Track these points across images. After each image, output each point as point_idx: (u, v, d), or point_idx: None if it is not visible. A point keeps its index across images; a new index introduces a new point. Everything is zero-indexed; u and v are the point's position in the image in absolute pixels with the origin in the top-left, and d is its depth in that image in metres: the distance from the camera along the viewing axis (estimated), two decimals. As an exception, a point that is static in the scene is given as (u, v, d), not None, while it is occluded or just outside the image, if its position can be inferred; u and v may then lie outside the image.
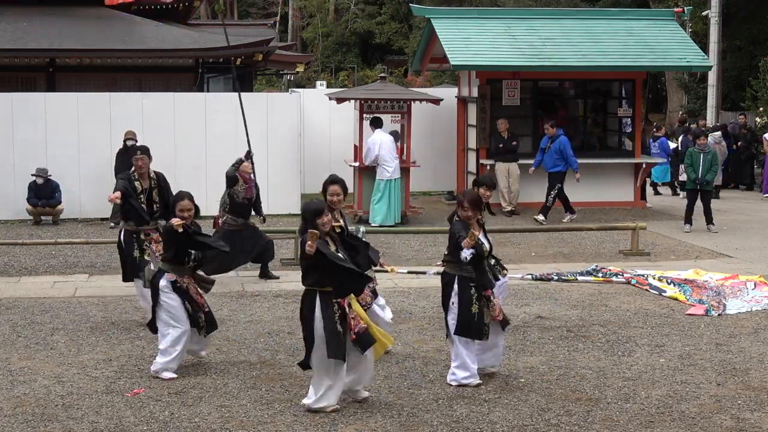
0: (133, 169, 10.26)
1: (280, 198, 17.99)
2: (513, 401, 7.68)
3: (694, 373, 8.47)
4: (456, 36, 19.08)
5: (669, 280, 12.05)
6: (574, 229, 15.56)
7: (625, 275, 12.46)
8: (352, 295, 7.50)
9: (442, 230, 15.47)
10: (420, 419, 7.26)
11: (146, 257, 10.03)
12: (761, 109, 26.67)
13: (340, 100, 18.35)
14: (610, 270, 12.74)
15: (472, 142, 19.84)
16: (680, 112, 30.84)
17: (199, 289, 8.59)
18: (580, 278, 12.48)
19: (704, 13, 29.81)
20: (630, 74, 19.69)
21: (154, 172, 10.34)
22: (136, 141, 16.99)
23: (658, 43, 19.38)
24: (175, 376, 8.22)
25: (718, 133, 22.66)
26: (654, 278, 12.20)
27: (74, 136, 17.57)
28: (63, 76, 23.78)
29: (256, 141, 17.92)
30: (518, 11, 22.73)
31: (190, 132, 17.92)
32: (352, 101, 18.23)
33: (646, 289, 11.88)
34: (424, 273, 12.76)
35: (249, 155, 12.68)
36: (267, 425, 7.14)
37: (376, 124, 17.09)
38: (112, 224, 16.87)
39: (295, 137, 18.63)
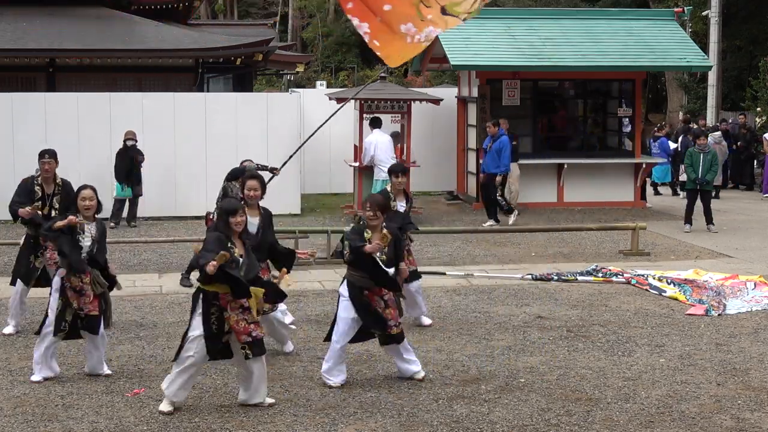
0: (37, 173, 9.92)
1: (279, 198, 17.97)
2: (513, 401, 7.68)
3: (694, 373, 8.47)
4: (456, 36, 19.06)
5: (669, 280, 12.05)
6: (574, 229, 15.56)
7: (625, 275, 12.46)
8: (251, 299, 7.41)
9: (442, 230, 15.53)
10: (420, 419, 7.26)
11: (37, 264, 9.76)
12: (760, 109, 26.69)
13: (340, 100, 18.34)
14: (610, 270, 12.74)
15: (472, 142, 19.84)
16: (680, 113, 30.87)
17: (87, 288, 8.19)
18: (580, 278, 12.48)
19: (704, 13, 29.82)
20: (630, 74, 19.70)
21: (61, 179, 9.93)
22: (136, 141, 17.02)
23: (658, 43, 19.38)
24: (39, 378, 8.13)
25: (718, 133, 22.67)
26: (654, 278, 12.20)
27: (74, 136, 17.57)
28: (63, 76, 23.79)
29: (256, 141, 18.00)
30: (518, 11, 22.74)
31: (190, 132, 17.92)
32: (352, 101, 18.22)
33: (646, 289, 11.88)
34: (443, 274, 12.76)
35: (272, 171, 12.75)
36: (267, 425, 7.14)
37: (375, 124, 17.10)
38: (112, 224, 16.87)
39: (295, 137, 18.61)
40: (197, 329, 7.33)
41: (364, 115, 17.71)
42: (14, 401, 7.64)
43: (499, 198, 17.16)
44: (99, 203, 8.31)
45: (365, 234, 7.98)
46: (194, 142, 17.93)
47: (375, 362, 8.74)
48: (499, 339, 9.59)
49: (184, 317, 10.10)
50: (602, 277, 12.52)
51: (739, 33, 32.48)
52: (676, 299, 11.37)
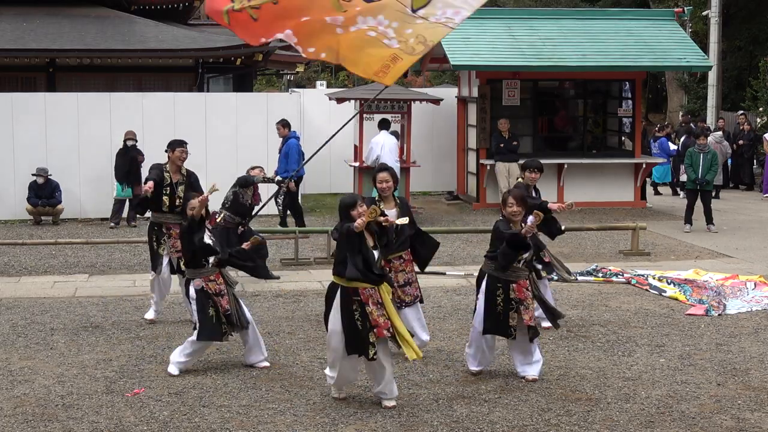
0: (167, 161, 10.30)
1: (279, 195, 17.99)
2: (513, 401, 7.68)
3: (694, 373, 8.47)
4: (456, 36, 19.04)
5: (669, 280, 12.05)
6: (574, 229, 15.54)
7: (625, 275, 12.46)
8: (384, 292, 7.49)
9: (442, 230, 15.50)
10: (420, 419, 7.26)
11: (161, 251, 10.13)
12: (761, 109, 26.68)
13: (340, 100, 18.35)
14: (610, 270, 12.74)
15: (472, 142, 19.84)
16: (680, 113, 30.84)
17: (224, 289, 8.49)
18: (580, 278, 12.48)
19: (704, 13, 29.81)
20: (630, 74, 19.70)
21: (186, 169, 10.36)
22: (136, 141, 17.02)
23: (658, 43, 19.38)
24: (176, 372, 8.34)
25: (719, 133, 22.67)
26: (654, 278, 12.20)
27: (74, 136, 17.57)
28: (63, 76, 23.79)
29: (256, 141, 17.99)
30: (518, 11, 22.74)
31: (190, 132, 17.87)
32: (352, 101, 18.23)
33: (646, 289, 11.88)
34: (443, 273, 12.77)
35: (279, 184, 12.74)
36: (267, 425, 7.14)
37: (383, 125, 17.09)
38: (112, 224, 16.89)
39: (295, 137, 18.62)
40: (337, 324, 7.43)
41: (365, 116, 17.70)
42: (14, 401, 7.65)
43: (280, 203, 16.22)
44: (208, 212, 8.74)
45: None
46: (194, 142, 17.82)
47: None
48: (499, 339, 9.57)
49: (184, 317, 10.12)
50: (602, 277, 12.52)
51: (739, 33, 32.46)
52: (676, 299, 11.37)
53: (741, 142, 23.57)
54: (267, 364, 8.53)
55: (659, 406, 7.59)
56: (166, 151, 10.37)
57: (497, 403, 7.64)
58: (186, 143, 10.40)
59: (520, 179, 10.36)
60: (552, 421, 7.23)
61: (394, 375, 7.61)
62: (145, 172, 17.06)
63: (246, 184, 12.16)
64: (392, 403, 7.49)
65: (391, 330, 7.38)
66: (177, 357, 8.44)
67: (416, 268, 8.91)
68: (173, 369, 8.37)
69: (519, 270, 8.14)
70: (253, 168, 12.68)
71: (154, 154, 17.45)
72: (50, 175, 17.16)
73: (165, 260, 10.12)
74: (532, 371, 8.21)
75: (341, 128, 10.05)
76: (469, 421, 7.23)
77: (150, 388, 7.97)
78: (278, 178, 12.89)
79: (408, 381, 8.18)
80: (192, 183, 10.26)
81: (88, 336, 9.68)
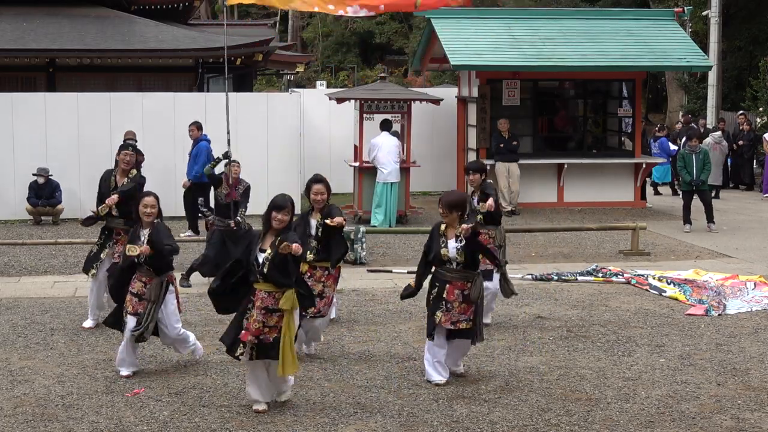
0: (115, 165, 10.23)
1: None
2: (513, 401, 7.68)
3: (694, 373, 8.47)
4: (456, 36, 19.09)
5: (669, 280, 12.05)
6: (574, 229, 15.56)
7: (625, 275, 12.46)
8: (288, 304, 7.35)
9: (442, 230, 15.50)
10: (420, 419, 7.26)
11: (102, 255, 10.02)
12: (761, 109, 26.67)
13: (340, 100, 18.36)
14: (610, 270, 12.74)
15: (472, 142, 19.84)
16: (680, 113, 30.83)
17: (150, 293, 8.34)
18: (580, 278, 12.48)
19: (704, 13, 29.80)
20: (630, 74, 19.70)
21: (136, 173, 10.29)
22: (136, 141, 17.00)
23: (658, 43, 19.38)
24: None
25: (718, 132, 22.66)
26: (654, 278, 12.20)
27: (74, 136, 17.57)
28: (63, 76, 23.80)
29: (256, 141, 17.98)
30: (518, 11, 22.73)
31: (190, 132, 17.90)
32: (352, 101, 18.23)
33: (646, 289, 11.88)
34: (389, 271, 12.82)
35: (227, 155, 12.43)
36: (267, 425, 7.14)
37: (385, 126, 17.09)
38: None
39: (295, 137, 18.63)
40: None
41: (365, 116, 17.70)
42: (14, 401, 7.65)
43: (201, 205, 15.52)
44: (160, 211, 8.59)
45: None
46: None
47: (375, 362, 8.75)
48: (499, 339, 9.59)
49: (185, 317, 10.11)
50: (602, 277, 12.52)
51: (739, 33, 32.45)
52: (676, 299, 11.37)
53: (741, 142, 23.56)
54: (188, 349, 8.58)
55: (659, 406, 7.59)
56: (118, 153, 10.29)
57: (497, 403, 7.64)
58: (131, 146, 10.33)
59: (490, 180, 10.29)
60: (552, 421, 7.23)
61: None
62: (145, 173, 17.15)
63: (215, 185, 12.11)
64: (259, 407, 7.38)
65: (261, 337, 7.27)
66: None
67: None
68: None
69: (455, 272, 8.08)
70: (229, 163, 12.60)
71: (154, 154, 17.53)
72: (51, 175, 17.16)
73: (104, 266, 9.91)
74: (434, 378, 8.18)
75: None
76: (469, 421, 7.23)
77: (150, 388, 7.97)
78: (221, 156, 12.60)
79: (408, 381, 8.18)
80: (141, 186, 10.03)
81: (88, 336, 9.68)
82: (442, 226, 8.19)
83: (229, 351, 7.44)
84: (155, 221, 8.44)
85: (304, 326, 8.40)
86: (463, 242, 8.03)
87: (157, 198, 8.56)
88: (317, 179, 8.92)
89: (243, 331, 7.32)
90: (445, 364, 8.20)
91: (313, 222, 8.76)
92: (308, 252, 8.53)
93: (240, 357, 7.38)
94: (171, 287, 8.41)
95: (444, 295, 8.05)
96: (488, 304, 9.66)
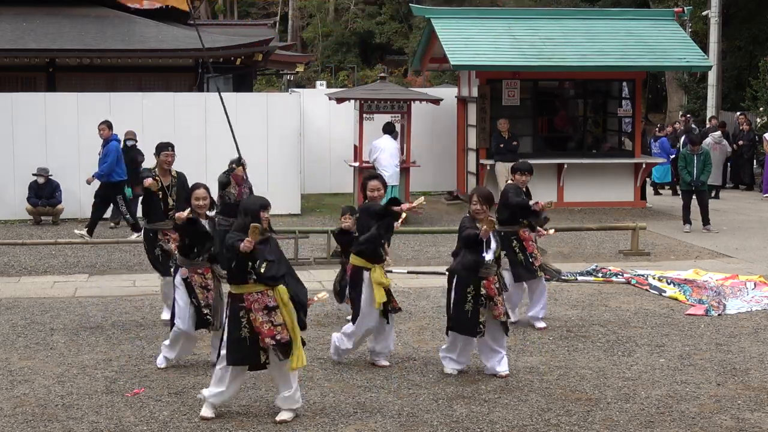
0: (155, 165, 10.24)
1: (280, 198, 17.96)
2: (513, 401, 7.68)
3: (694, 373, 8.47)
4: (456, 36, 19.08)
5: (669, 280, 12.05)
6: (574, 229, 15.55)
7: (625, 275, 12.46)
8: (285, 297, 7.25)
9: (442, 230, 15.50)
10: (420, 419, 7.26)
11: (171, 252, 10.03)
12: (761, 109, 26.66)
13: (340, 100, 18.36)
14: (610, 270, 12.73)
15: (472, 142, 19.84)
16: (680, 113, 30.82)
17: (211, 283, 8.42)
18: (580, 278, 12.48)
19: (704, 13, 29.80)
20: (630, 74, 19.70)
21: (176, 171, 10.28)
22: (136, 141, 17.01)
23: (658, 43, 19.38)
24: (163, 365, 8.42)
25: (718, 132, 22.66)
26: (654, 278, 12.20)
27: (74, 136, 17.57)
28: (63, 76, 23.78)
29: (256, 141, 17.98)
30: (518, 11, 22.74)
31: (190, 132, 17.92)
32: (352, 101, 18.23)
33: (646, 289, 11.88)
34: (444, 274, 12.75)
35: (240, 162, 12.62)
36: (267, 425, 7.14)
37: (387, 129, 17.08)
38: (112, 225, 16.88)
39: (295, 137, 18.63)
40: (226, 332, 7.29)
41: (365, 116, 17.70)
42: (14, 401, 7.65)
43: (122, 208, 15.79)
44: (212, 201, 8.62)
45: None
46: (194, 142, 17.92)
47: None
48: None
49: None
50: (602, 277, 12.52)
51: (739, 33, 32.44)
52: (676, 299, 11.37)
53: (741, 142, 23.56)
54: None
55: (659, 406, 7.59)
56: (154, 154, 10.31)
57: (497, 403, 7.64)
58: (172, 146, 10.28)
59: (510, 180, 10.41)
60: (552, 421, 7.23)
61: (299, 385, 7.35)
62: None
63: (224, 184, 12.21)
64: (288, 416, 7.21)
65: (278, 337, 7.11)
66: (164, 350, 8.56)
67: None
68: (160, 361, 8.51)
69: (489, 266, 8.20)
70: (232, 162, 12.74)
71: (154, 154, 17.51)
72: (51, 175, 17.16)
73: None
74: (501, 368, 8.29)
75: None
76: (469, 421, 7.23)
77: (150, 388, 7.97)
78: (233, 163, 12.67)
79: (408, 381, 8.18)
80: (183, 184, 10.08)
81: (88, 336, 9.68)
82: (476, 223, 8.23)
83: (256, 366, 7.20)
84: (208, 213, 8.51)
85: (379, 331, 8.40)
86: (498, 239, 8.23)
87: (207, 189, 8.55)
88: (373, 176, 8.94)
89: (257, 338, 7.11)
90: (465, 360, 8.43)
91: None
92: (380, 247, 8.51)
93: (267, 364, 7.18)
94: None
95: (483, 292, 8.16)
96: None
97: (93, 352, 9.10)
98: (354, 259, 8.62)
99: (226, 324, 7.28)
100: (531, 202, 10.04)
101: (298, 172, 18.50)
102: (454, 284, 8.29)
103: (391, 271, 12.97)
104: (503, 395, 7.82)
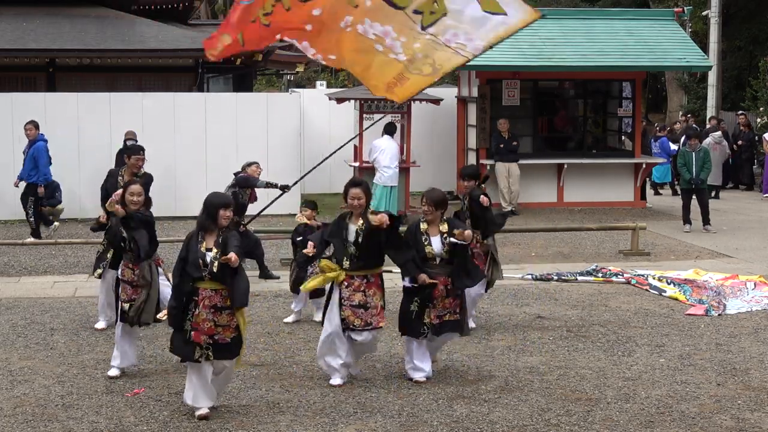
0: (124, 167, 10.31)
1: (280, 198, 17.96)
2: (513, 401, 7.68)
3: (694, 373, 8.47)
4: (456, 36, 19.04)
5: (669, 280, 12.05)
6: (574, 230, 15.56)
7: (625, 275, 12.46)
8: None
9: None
10: (420, 419, 7.26)
11: (108, 255, 9.99)
12: (761, 109, 26.67)
13: (340, 100, 18.35)
14: (610, 270, 12.73)
15: (472, 142, 19.84)
16: (680, 113, 30.82)
17: (140, 278, 8.32)
18: (580, 278, 12.48)
19: (704, 13, 29.81)
20: (630, 74, 19.70)
21: (144, 171, 10.41)
22: (136, 141, 17.00)
23: (658, 43, 19.38)
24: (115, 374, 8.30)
25: (718, 132, 22.65)
26: (654, 278, 12.20)
27: (74, 136, 17.57)
28: (63, 76, 23.76)
29: (256, 141, 17.99)
30: (518, 11, 22.67)
31: (190, 132, 17.93)
32: (352, 101, 18.23)
33: (646, 289, 11.88)
34: (389, 271, 12.77)
35: (283, 189, 12.53)
36: (267, 425, 7.14)
37: (388, 129, 17.08)
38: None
39: (295, 137, 18.63)
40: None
41: (365, 115, 17.70)
42: (14, 401, 7.65)
43: (29, 209, 15.65)
44: (148, 199, 8.56)
45: None
46: (194, 142, 17.94)
47: (375, 362, 8.75)
48: (499, 339, 9.60)
49: (184, 317, 10.13)
50: (602, 277, 12.52)
51: (739, 33, 32.44)
52: (676, 299, 11.37)
53: (740, 142, 23.55)
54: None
55: (659, 406, 7.59)
56: (125, 156, 10.43)
57: (497, 403, 7.64)
58: (143, 150, 10.43)
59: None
60: (552, 421, 7.23)
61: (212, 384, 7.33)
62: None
63: (247, 184, 12.18)
64: (204, 412, 7.22)
65: (217, 338, 7.15)
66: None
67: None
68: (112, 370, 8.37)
69: (437, 267, 8.17)
70: (249, 164, 12.70)
71: (154, 154, 17.51)
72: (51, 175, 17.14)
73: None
74: (418, 375, 8.19)
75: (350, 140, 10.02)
76: (469, 421, 7.23)
77: (150, 388, 7.97)
78: (280, 183, 12.75)
79: (408, 381, 8.18)
80: (146, 184, 10.01)
81: (88, 336, 9.68)
82: (423, 225, 8.25)
83: (186, 357, 7.21)
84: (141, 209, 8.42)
85: (354, 340, 8.06)
86: (447, 239, 8.12)
87: (143, 186, 8.59)
88: (355, 183, 8.27)
89: (193, 332, 7.14)
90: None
91: (353, 228, 8.05)
92: (344, 259, 8.02)
93: (200, 360, 7.17)
94: (160, 270, 8.53)
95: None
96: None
97: (93, 352, 9.10)
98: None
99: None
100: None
101: (298, 172, 18.48)
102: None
103: (391, 271, 12.99)
104: (503, 395, 7.82)
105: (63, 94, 19.11)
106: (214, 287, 7.20)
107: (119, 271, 8.48)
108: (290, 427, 7.11)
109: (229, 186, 12.39)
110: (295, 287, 10.07)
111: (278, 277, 12.49)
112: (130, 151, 10.44)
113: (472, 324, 9.83)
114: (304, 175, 10.42)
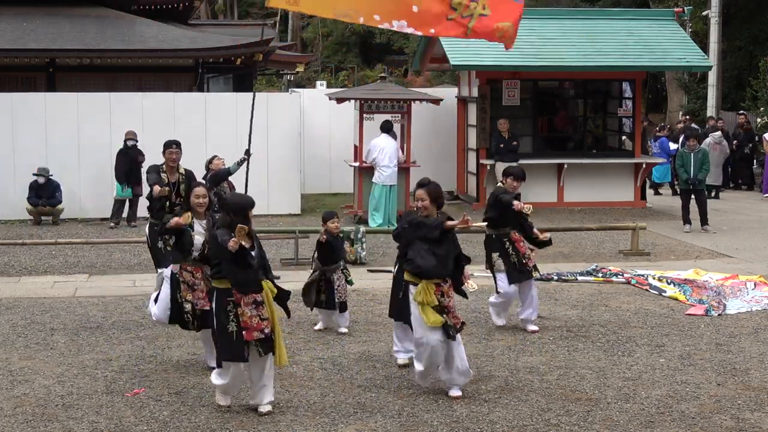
0: (163, 162, 10.24)
1: (280, 198, 18.01)
2: (513, 401, 7.68)
3: (694, 373, 8.47)
4: (456, 36, 19.05)
5: (669, 280, 12.05)
6: (574, 230, 15.56)
7: (625, 275, 12.46)
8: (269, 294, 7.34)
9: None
10: (420, 419, 7.26)
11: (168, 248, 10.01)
12: (761, 109, 26.67)
13: (340, 100, 18.35)
14: (610, 270, 12.73)
15: (472, 142, 19.85)
16: (680, 113, 30.82)
17: (200, 283, 8.35)
18: (580, 278, 12.48)
19: (704, 13, 29.81)
20: (630, 74, 19.70)
21: (184, 168, 10.29)
22: (137, 141, 17.02)
23: (658, 43, 19.39)
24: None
25: (718, 133, 22.65)
26: (654, 278, 12.19)
27: (74, 136, 17.58)
28: (63, 76, 23.79)
29: (256, 141, 17.95)
30: (518, 11, 22.68)
31: (190, 132, 17.92)
32: (352, 101, 18.23)
33: (646, 289, 11.88)
34: (389, 271, 12.78)
35: (248, 154, 12.50)
36: (267, 425, 7.14)
37: (385, 127, 17.08)
38: (112, 224, 16.89)
39: (295, 137, 18.64)
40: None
41: (365, 116, 17.70)
42: (14, 401, 7.65)
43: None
44: (212, 200, 8.54)
45: None
46: (194, 142, 17.91)
47: (375, 362, 8.75)
48: (499, 339, 9.60)
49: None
50: (602, 277, 12.52)
51: (739, 33, 32.44)
52: (676, 299, 11.37)
53: (735, 142, 23.53)
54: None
55: (659, 406, 7.59)
56: (162, 152, 10.33)
57: (497, 403, 7.64)
58: (177, 143, 10.26)
59: (501, 183, 10.13)
60: (552, 421, 7.23)
61: (273, 382, 7.42)
62: (145, 173, 17.19)
63: (219, 179, 12.18)
64: (265, 408, 7.30)
65: (266, 332, 7.22)
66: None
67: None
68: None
69: None
70: (210, 161, 12.80)
71: (154, 154, 17.51)
72: (51, 175, 17.17)
73: None
74: (402, 357, 8.46)
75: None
76: (469, 421, 7.23)
77: (150, 388, 7.97)
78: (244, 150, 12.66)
79: (408, 381, 8.18)
80: (190, 182, 10.12)
81: (88, 336, 9.68)
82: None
83: (241, 358, 7.23)
84: (207, 213, 8.39)
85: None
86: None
87: (207, 187, 8.60)
88: (421, 184, 8.00)
89: (245, 332, 7.18)
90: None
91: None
92: None
93: (247, 359, 7.24)
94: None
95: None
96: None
97: (93, 352, 9.10)
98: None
99: (214, 319, 7.35)
100: (514, 202, 9.67)
101: (298, 172, 18.50)
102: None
103: (391, 271, 13.00)
104: (503, 395, 7.82)
105: (63, 94, 19.12)
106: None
107: (175, 272, 8.36)
108: (290, 427, 7.11)
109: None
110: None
111: (278, 277, 12.44)
112: (165, 146, 10.25)
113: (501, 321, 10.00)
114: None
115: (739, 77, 32.90)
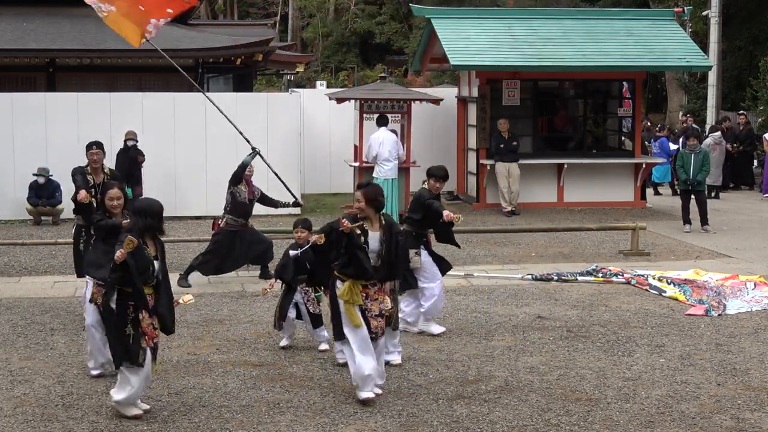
0: (87, 163, 10.14)
1: (280, 198, 17.96)
2: (513, 401, 7.68)
3: (694, 373, 8.47)
4: (456, 36, 19.08)
5: (669, 280, 12.05)
6: (574, 230, 15.56)
7: (625, 275, 12.46)
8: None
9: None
10: (420, 419, 7.27)
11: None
12: (761, 108, 26.66)
13: (340, 100, 18.36)
14: (610, 270, 12.73)
15: (472, 142, 19.84)
16: (680, 113, 30.81)
17: None
18: (580, 278, 12.48)
19: (704, 13, 29.79)
20: (630, 74, 19.70)
21: (109, 168, 10.26)
22: (137, 141, 17.03)
23: (658, 43, 19.38)
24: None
25: (718, 133, 22.65)
26: (654, 278, 12.19)
27: (74, 136, 17.55)
28: (63, 76, 23.80)
29: (256, 141, 17.94)
30: (518, 11, 22.72)
31: (190, 132, 17.93)
32: (352, 101, 18.23)
33: (646, 289, 11.88)
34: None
35: (255, 152, 12.56)
36: (267, 425, 7.14)
37: (382, 121, 17.10)
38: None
39: (295, 137, 18.63)
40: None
41: (364, 115, 17.71)
42: (14, 401, 7.65)
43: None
44: (127, 200, 8.49)
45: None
46: (194, 142, 17.94)
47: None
48: (499, 339, 9.60)
49: (184, 317, 10.13)
50: (602, 277, 12.52)
51: (739, 33, 32.43)
52: (676, 299, 11.37)
53: (736, 144, 23.52)
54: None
55: (659, 406, 7.59)
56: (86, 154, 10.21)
57: (497, 403, 7.64)
58: (96, 144, 10.11)
59: (424, 185, 9.99)
60: (552, 421, 7.24)
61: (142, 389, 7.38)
62: (145, 173, 17.22)
63: (237, 178, 12.19)
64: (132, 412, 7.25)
65: (156, 341, 7.32)
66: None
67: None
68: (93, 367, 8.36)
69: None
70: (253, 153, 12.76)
71: (154, 154, 17.54)
72: (51, 175, 17.17)
73: None
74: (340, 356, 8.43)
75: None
76: (469, 421, 7.23)
77: (150, 388, 7.97)
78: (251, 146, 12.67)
79: (408, 381, 8.18)
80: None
81: (88, 336, 9.67)
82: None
83: (135, 361, 7.13)
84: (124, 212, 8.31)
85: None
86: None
87: (121, 188, 8.52)
88: (360, 185, 7.99)
89: (145, 337, 7.19)
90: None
91: (377, 235, 7.79)
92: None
93: (143, 363, 7.17)
94: None
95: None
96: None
97: (93, 352, 9.09)
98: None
99: (112, 321, 7.25)
100: (444, 213, 9.58)
101: (298, 172, 18.50)
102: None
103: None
104: (503, 395, 7.82)
105: (63, 94, 19.12)
106: (149, 292, 7.26)
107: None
108: (290, 427, 7.11)
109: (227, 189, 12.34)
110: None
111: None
112: (86, 147, 10.16)
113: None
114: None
115: (739, 77, 32.89)
